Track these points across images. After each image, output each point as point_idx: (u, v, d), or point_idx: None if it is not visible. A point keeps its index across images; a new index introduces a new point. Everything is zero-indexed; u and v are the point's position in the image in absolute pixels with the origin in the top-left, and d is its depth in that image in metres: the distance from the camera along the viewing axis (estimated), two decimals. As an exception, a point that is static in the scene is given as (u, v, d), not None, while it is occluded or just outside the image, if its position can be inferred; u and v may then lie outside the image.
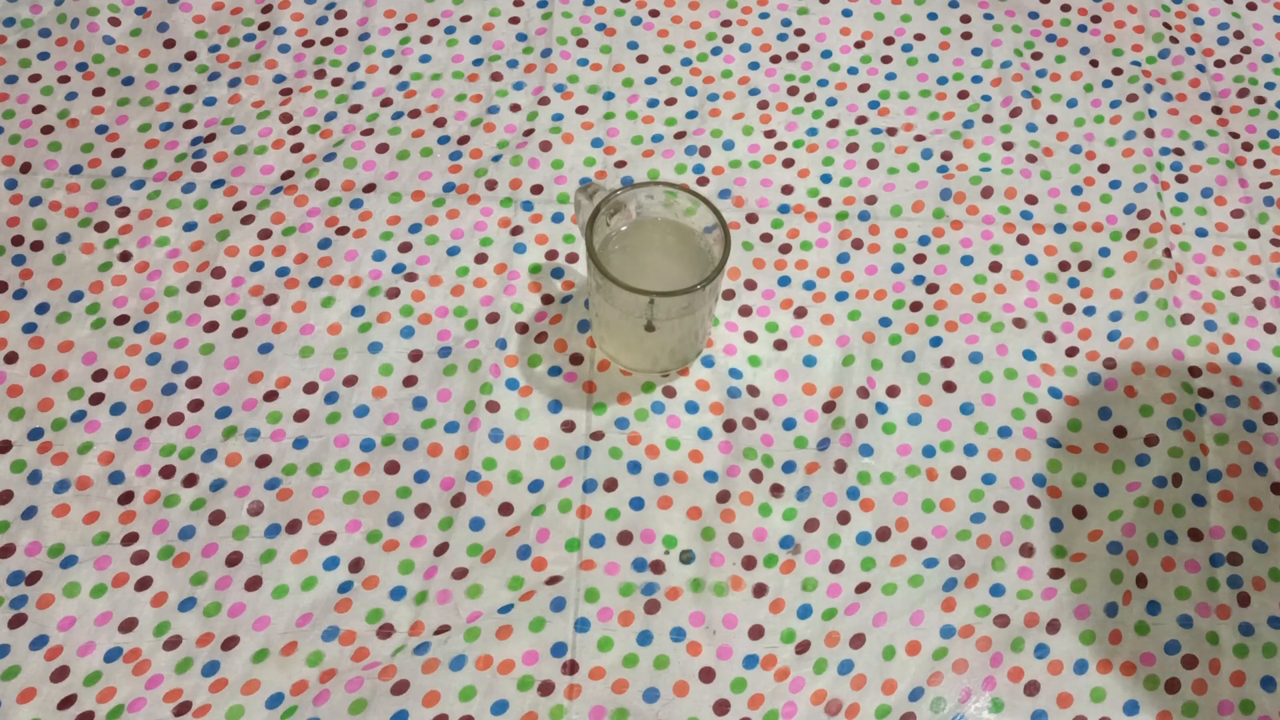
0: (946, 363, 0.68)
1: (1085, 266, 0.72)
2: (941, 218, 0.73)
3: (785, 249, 0.72)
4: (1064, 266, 0.72)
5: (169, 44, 0.78)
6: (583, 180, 0.73)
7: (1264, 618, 0.60)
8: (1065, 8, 0.84)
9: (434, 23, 0.80)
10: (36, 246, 0.69)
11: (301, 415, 0.64)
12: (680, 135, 0.76)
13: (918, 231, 0.73)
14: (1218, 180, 0.76)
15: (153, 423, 0.63)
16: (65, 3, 0.79)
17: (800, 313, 0.69)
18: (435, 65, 0.78)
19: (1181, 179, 0.76)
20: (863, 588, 0.60)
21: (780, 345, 0.68)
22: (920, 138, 0.77)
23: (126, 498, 0.61)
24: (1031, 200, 0.75)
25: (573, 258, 0.70)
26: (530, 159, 0.74)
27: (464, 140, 0.75)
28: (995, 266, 0.72)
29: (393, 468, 0.62)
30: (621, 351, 0.65)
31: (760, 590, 0.60)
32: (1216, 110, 0.80)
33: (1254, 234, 0.74)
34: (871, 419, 0.65)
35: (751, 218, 0.73)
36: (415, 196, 0.72)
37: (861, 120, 0.78)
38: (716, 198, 0.74)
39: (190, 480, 0.61)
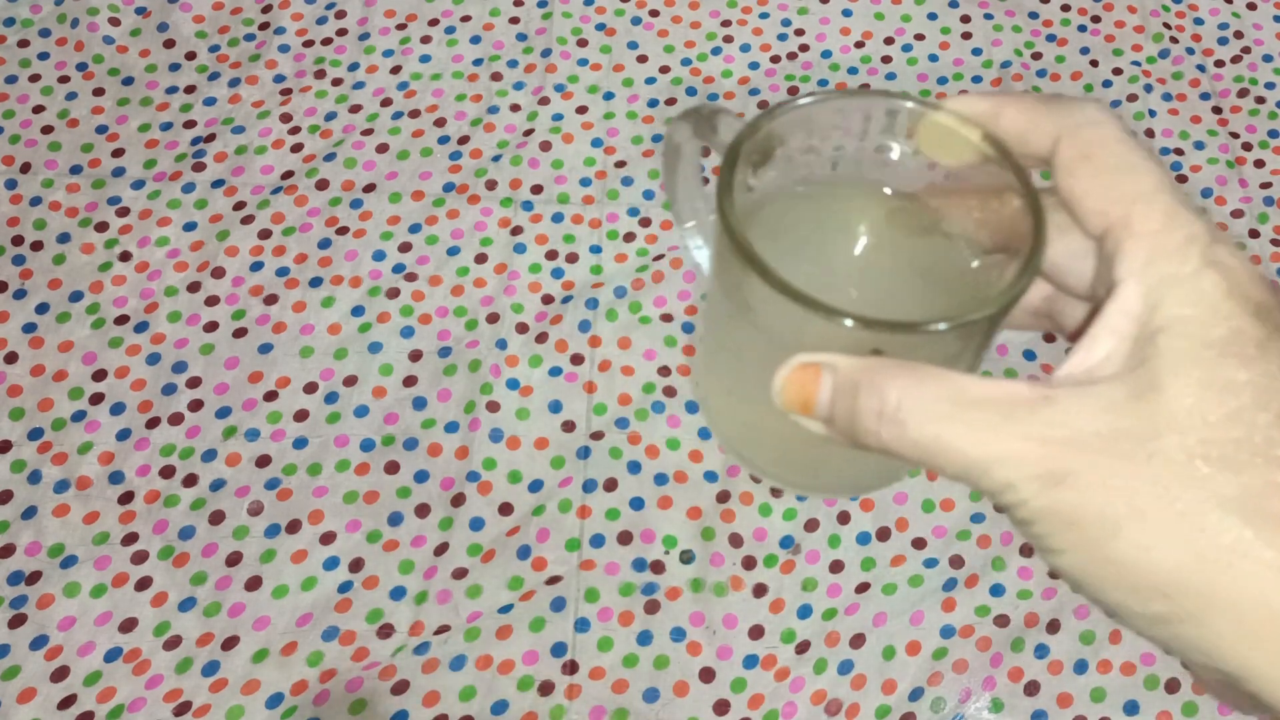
0: (946, 363, 0.67)
1: (1085, 266, 0.72)
2: (941, 218, 0.73)
3: (785, 249, 0.72)
4: (1064, 266, 0.72)
5: (169, 44, 0.78)
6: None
7: (1264, 618, 0.60)
8: (1065, 8, 0.84)
9: (434, 23, 0.80)
10: (36, 246, 0.69)
11: (301, 415, 0.64)
12: (680, 135, 0.76)
13: (918, 231, 0.73)
14: (1218, 180, 0.76)
15: (153, 423, 0.63)
16: (65, 3, 0.79)
17: (800, 313, 0.69)
18: (435, 65, 0.78)
19: (1181, 179, 0.76)
20: (863, 588, 0.60)
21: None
22: (920, 138, 0.77)
23: (126, 498, 0.61)
24: (1031, 200, 0.74)
25: (573, 258, 0.70)
26: (530, 159, 0.74)
27: (464, 140, 0.75)
28: (995, 266, 0.72)
29: (393, 468, 0.62)
30: (763, 442, 0.31)
31: (760, 590, 0.60)
32: (1216, 110, 0.80)
33: (1254, 234, 0.74)
34: (871, 419, 0.65)
35: (751, 218, 0.73)
36: (415, 196, 0.72)
37: (861, 120, 0.78)
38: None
39: (190, 480, 0.61)
